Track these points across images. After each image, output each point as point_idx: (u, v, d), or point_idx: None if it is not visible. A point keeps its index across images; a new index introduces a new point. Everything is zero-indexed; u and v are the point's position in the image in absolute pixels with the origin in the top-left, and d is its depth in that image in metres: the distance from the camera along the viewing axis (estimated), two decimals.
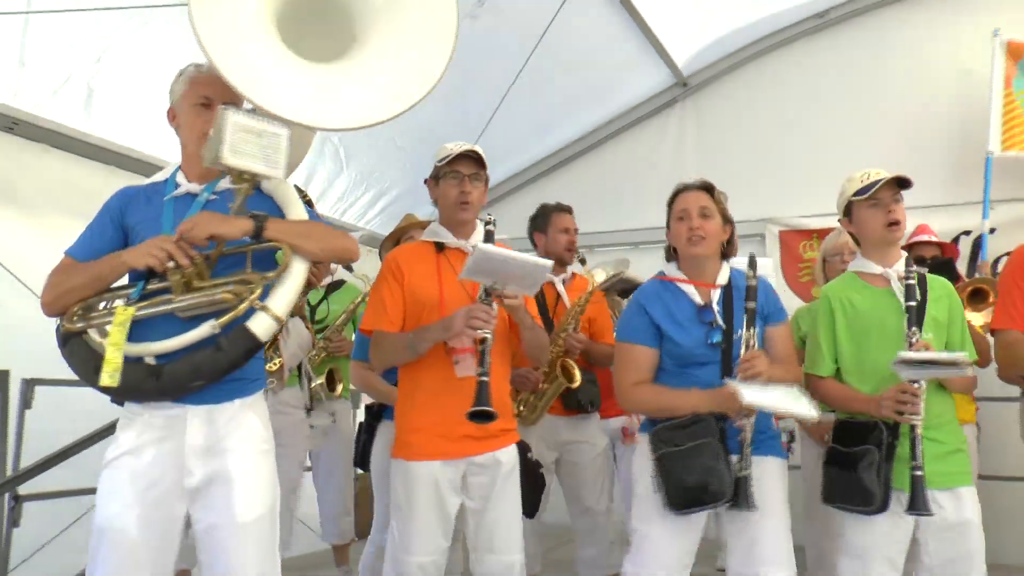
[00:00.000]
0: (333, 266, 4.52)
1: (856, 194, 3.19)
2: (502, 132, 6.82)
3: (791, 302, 6.69)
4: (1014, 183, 6.20)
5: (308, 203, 4.44)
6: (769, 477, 3.01)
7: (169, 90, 2.73)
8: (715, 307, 3.09)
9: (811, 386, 3.23)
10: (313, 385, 4.85)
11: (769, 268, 4.14)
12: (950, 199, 6.32)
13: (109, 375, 2.36)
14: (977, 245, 6.30)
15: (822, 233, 6.79)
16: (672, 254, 3.25)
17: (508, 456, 3.23)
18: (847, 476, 2.99)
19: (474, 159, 3.32)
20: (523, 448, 3.32)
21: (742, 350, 2.97)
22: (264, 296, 2.48)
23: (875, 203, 3.15)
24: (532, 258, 3.01)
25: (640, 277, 4.26)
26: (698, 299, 3.12)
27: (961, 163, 6.43)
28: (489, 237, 3.11)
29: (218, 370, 2.47)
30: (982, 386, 5.28)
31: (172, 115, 2.73)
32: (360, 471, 4.78)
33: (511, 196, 7.98)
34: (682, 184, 3.25)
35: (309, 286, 4.01)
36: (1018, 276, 3.22)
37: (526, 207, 7.63)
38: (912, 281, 3.00)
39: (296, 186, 2.91)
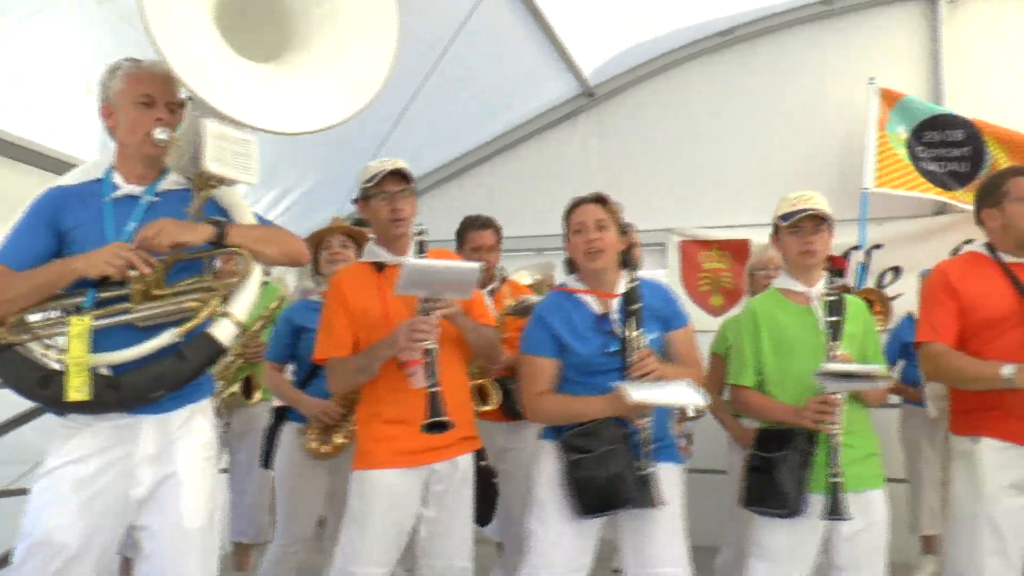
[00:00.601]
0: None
1: (781, 218, 3.32)
2: (408, 135, 6.78)
3: (691, 311, 6.89)
4: (898, 200, 6.51)
5: None
6: (664, 483, 3.08)
7: (101, 86, 2.64)
8: (614, 316, 3.16)
9: (735, 395, 3.40)
10: (224, 395, 4.78)
11: (662, 277, 4.25)
12: (843, 215, 6.53)
13: (76, 390, 2.31)
14: (867, 258, 6.58)
15: (722, 244, 7.00)
16: (572, 266, 3.32)
17: (465, 462, 3.25)
18: (765, 480, 3.13)
19: (400, 175, 3.33)
20: (479, 455, 3.33)
21: (631, 352, 3.04)
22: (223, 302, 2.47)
23: (796, 231, 3.30)
24: (459, 264, 3.09)
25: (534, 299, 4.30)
26: (597, 309, 3.19)
27: (846, 184, 6.68)
28: (422, 248, 3.15)
29: (181, 379, 2.44)
30: None
31: (107, 112, 2.64)
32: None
33: (418, 198, 7.90)
34: (577, 198, 3.32)
35: None
36: (940, 291, 3.35)
37: (431, 211, 7.61)
38: (833, 298, 3.17)
39: None
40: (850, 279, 6.52)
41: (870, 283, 6.48)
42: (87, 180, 2.65)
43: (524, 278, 4.85)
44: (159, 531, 2.49)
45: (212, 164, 2.39)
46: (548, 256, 6.48)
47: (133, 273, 2.37)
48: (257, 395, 4.93)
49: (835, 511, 2.99)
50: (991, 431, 3.17)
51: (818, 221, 3.28)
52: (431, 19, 5.95)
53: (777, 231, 3.39)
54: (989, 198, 3.35)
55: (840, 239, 6.42)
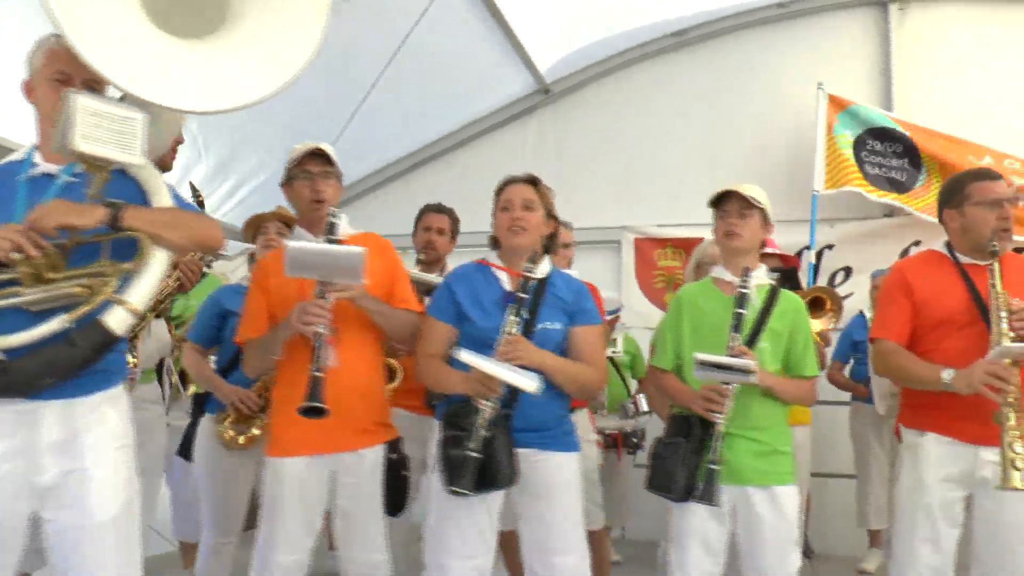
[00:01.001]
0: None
1: (710, 203, 3.38)
2: (364, 129, 6.76)
3: (646, 308, 6.94)
4: (849, 202, 6.60)
5: (200, 203, 4.31)
6: (560, 471, 3.12)
7: (26, 62, 2.55)
8: (523, 296, 3.13)
9: (652, 376, 3.47)
10: (174, 380, 4.70)
11: (612, 303, 4.24)
12: (796, 216, 6.65)
13: None
14: (819, 258, 6.69)
15: (676, 242, 7.05)
16: (495, 242, 3.32)
17: (373, 453, 3.21)
18: (662, 464, 3.19)
19: (323, 157, 3.31)
20: (391, 446, 3.29)
21: (503, 336, 3.01)
22: (122, 288, 2.37)
23: (722, 214, 3.33)
24: (342, 248, 3.02)
25: (430, 279, 4.26)
26: (508, 287, 3.18)
27: (799, 185, 6.78)
28: (332, 229, 3.10)
29: (71, 366, 2.34)
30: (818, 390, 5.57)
31: (28, 89, 2.56)
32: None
33: (372, 192, 7.91)
34: (509, 176, 3.34)
35: (181, 288, 3.89)
36: (895, 289, 3.40)
37: (386, 204, 7.61)
38: (746, 290, 3.17)
39: (192, 184, 2.80)
40: (802, 278, 6.62)
41: (822, 283, 6.56)
42: (13, 160, 2.57)
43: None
44: (69, 524, 2.40)
45: (79, 141, 2.26)
46: (485, 254, 6.47)
47: (16, 256, 2.26)
48: (191, 389, 4.83)
49: (705, 496, 3.03)
50: (936, 427, 3.25)
51: (745, 206, 3.28)
52: (388, 13, 5.94)
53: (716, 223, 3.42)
54: (951, 199, 3.38)
55: (792, 239, 6.63)
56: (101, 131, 2.30)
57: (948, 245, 3.41)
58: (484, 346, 3.03)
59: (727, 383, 3.07)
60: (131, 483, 2.53)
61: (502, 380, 2.91)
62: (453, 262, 5.04)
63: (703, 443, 3.11)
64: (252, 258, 4.29)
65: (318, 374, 2.86)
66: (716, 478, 3.03)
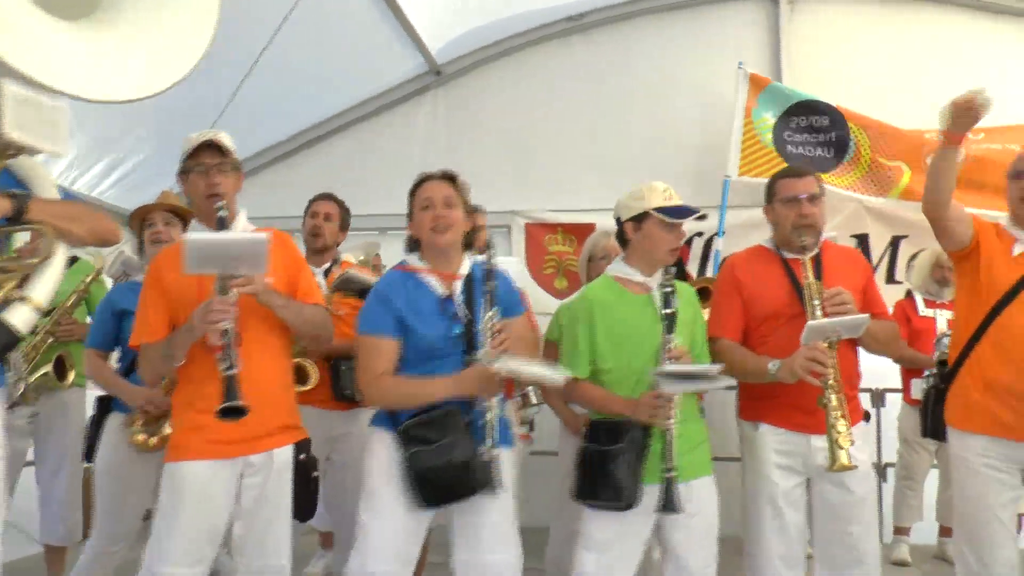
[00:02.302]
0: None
1: (658, 210, 3.25)
2: (249, 107, 6.51)
3: (536, 294, 6.89)
4: (744, 191, 6.65)
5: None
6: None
7: None
8: (457, 298, 3.08)
9: (568, 387, 3.31)
10: (34, 379, 4.41)
11: (514, 265, 4.15)
12: (689, 201, 6.65)
13: None
14: (708, 247, 6.72)
15: (567, 227, 7.02)
16: (414, 244, 3.20)
17: (283, 455, 3.07)
18: (600, 473, 3.09)
19: (218, 148, 3.13)
20: (300, 447, 3.15)
21: (486, 334, 2.97)
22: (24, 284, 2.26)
23: (670, 227, 3.25)
24: (243, 235, 2.92)
25: (367, 278, 4.15)
26: (440, 290, 3.09)
27: (699, 172, 6.87)
28: (222, 224, 2.96)
29: None
30: None
31: None
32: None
33: (257, 174, 7.61)
34: (425, 173, 3.23)
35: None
36: (726, 285, 3.51)
37: (272, 186, 7.38)
38: (670, 289, 3.15)
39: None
40: (694, 269, 6.69)
41: (711, 271, 6.61)
42: None
43: (350, 259, 4.71)
44: None
45: (14, 131, 2.17)
46: (393, 236, 6.34)
47: None
48: (71, 376, 4.57)
49: (668, 505, 3.00)
50: (769, 418, 3.37)
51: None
52: None
53: (639, 219, 3.28)
54: (767, 196, 3.52)
55: (687, 225, 6.64)
56: (31, 121, 2.21)
57: (773, 240, 3.52)
58: (428, 357, 2.99)
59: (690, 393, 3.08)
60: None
61: (541, 377, 2.92)
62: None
63: (643, 449, 3.06)
64: (140, 250, 4.04)
65: (232, 372, 2.72)
66: (674, 486, 3.00)
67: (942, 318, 5.32)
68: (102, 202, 6.48)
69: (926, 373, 4.80)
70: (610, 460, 3.07)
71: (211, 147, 3.12)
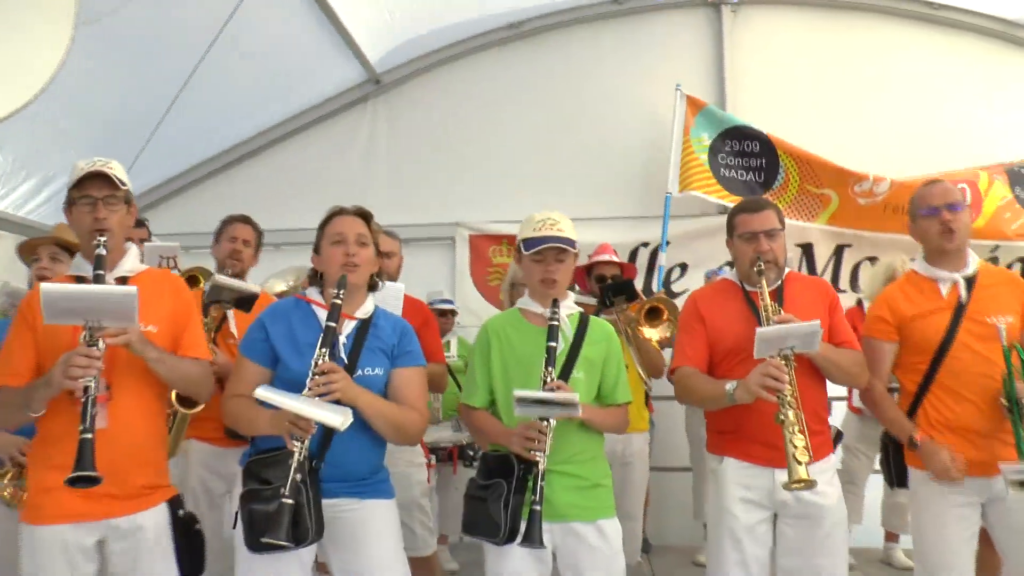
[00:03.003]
0: None
1: (524, 243, 3.18)
2: (185, 119, 6.35)
3: (481, 306, 6.82)
4: (689, 200, 6.68)
5: None
6: (376, 519, 2.96)
7: None
8: (344, 339, 2.96)
9: (464, 415, 3.31)
10: None
11: (398, 294, 4.01)
12: (631, 212, 6.67)
13: None
14: (654, 256, 6.70)
15: (511, 239, 6.94)
16: (316, 277, 3.10)
17: (153, 520, 2.87)
18: (480, 507, 3.03)
19: (106, 179, 2.89)
20: (174, 504, 2.96)
21: (313, 368, 2.80)
22: None
23: (539, 259, 3.16)
24: (109, 288, 2.70)
25: (240, 285, 4.01)
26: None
27: (642, 182, 6.91)
28: (100, 263, 2.77)
29: None
30: (657, 388, 5.60)
31: None
32: None
33: (192, 189, 7.44)
34: (337, 207, 3.12)
35: None
36: (690, 318, 3.49)
37: (208, 200, 7.19)
38: (555, 323, 3.07)
39: None
40: (640, 280, 6.67)
41: (657, 280, 6.59)
42: None
43: (277, 285, 4.56)
44: None
45: None
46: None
47: None
48: None
49: (529, 538, 2.87)
50: (733, 452, 3.34)
51: (561, 249, 3.17)
52: (204, 3, 5.58)
53: (519, 249, 3.23)
54: (727, 229, 3.51)
55: (633, 235, 6.67)
56: None
57: (736, 273, 3.52)
58: (298, 389, 2.78)
59: (546, 419, 2.94)
60: None
61: (308, 417, 2.67)
62: (280, 259, 4.79)
63: (524, 483, 2.98)
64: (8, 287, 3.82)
65: (87, 436, 2.51)
66: (538, 519, 2.87)
67: None
68: (31, 222, 6.25)
69: None
70: (489, 494, 3.01)
71: (99, 177, 2.89)
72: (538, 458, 2.91)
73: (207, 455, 3.80)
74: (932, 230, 3.43)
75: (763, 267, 3.30)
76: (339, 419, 2.65)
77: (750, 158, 6.73)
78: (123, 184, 2.92)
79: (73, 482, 2.48)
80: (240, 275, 4.22)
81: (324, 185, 7.10)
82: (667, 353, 5.70)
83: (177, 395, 3.67)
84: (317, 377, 2.75)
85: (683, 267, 6.88)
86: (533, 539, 2.86)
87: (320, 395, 2.72)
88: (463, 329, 6.27)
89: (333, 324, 2.84)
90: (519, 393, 2.89)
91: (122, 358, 2.72)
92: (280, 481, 2.67)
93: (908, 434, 3.36)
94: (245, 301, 4.01)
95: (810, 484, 2.97)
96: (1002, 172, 6.63)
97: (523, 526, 2.91)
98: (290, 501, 2.63)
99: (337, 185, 7.02)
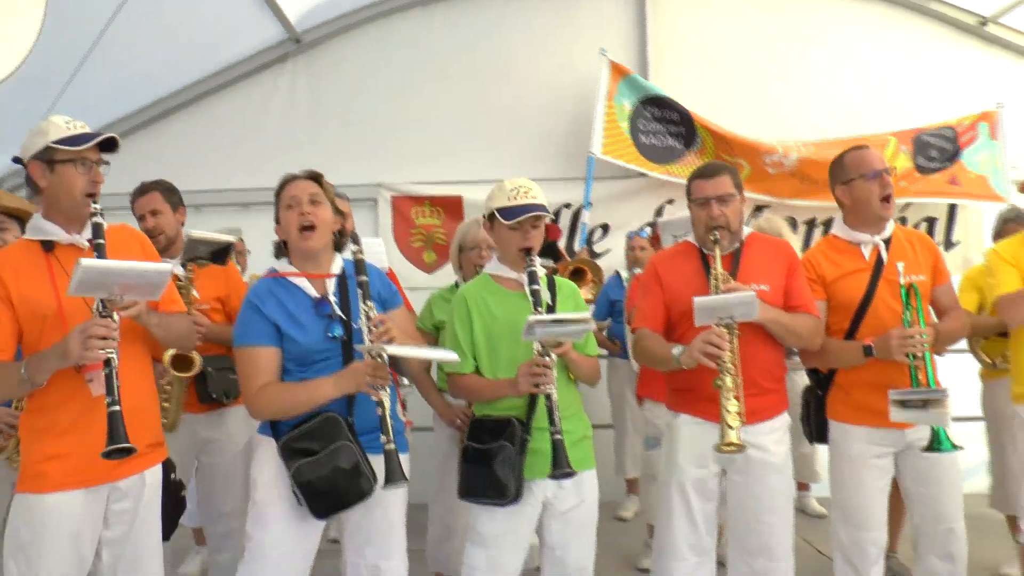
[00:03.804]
0: None
1: (500, 213, 3.22)
2: (98, 77, 6.13)
3: (404, 268, 6.81)
4: (609, 162, 6.75)
5: None
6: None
7: None
8: (332, 299, 3.00)
9: (453, 383, 3.33)
10: None
11: (376, 247, 4.04)
12: (555, 174, 6.71)
13: None
14: (577, 217, 6.77)
15: (434, 200, 6.96)
16: (282, 249, 3.10)
17: (153, 476, 2.90)
18: (482, 471, 3.10)
19: (108, 146, 2.87)
20: (167, 467, 3.00)
21: (362, 323, 2.90)
22: None
23: (517, 228, 3.21)
24: (148, 265, 2.68)
25: (215, 237, 3.98)
26: (314, 292, 3.00)
27: (565, 143, 6.94)
28: (98, 231, 2.72)
29: None
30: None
31: None
32: None
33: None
34: (289, 174, 3.12)
35: None
36: (649, 281, 3.59)
37: (124, 159, 6.99)
38: (536, 287, 3.13)
39: None
40: (563, 241, 6.73)
41: (579, 239, 6.66)
42: None
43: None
44: None
45: None
46: (257, 211, 6.13)
47: None
48: None
49: (558, 465, 2.98)
50: (687, 408, 3.47)
51: (537, 217, 3.23)
52: None
53: (491, 217, 3.28)
54: (686, 195, 3.57)
55: (555, 197, 6.71)
56: None
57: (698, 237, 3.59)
58: (308, 361, 2.90)
59: (547, 354, 3.03)
60: None
61: (429, 357, 2.92)
62: (201, 219, 4.70)
63: (523, 444, 3.10)
64: None
65: (115, 408, 2.50)
66: (563, 448, 2.98)
67: None
68: None
69: None
70: (492, 458, 3.08)
71: (106, 145, 2.87)
72: (549, 390, 3.02)
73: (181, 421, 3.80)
74: (875, 193, 3.54)
75: (717, 236, 3.38)
76: (453, 355, 3.01)
77: (670, 124, 6.88)
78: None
79: (109, 455, 2.47)
80: (171, 247, 4.07)
81: (243, 145, 6.99)
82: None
83: (172, 359, 3.68)
84: (375, 328, 2.85)
85: (605, 228, 6.96)
86: (563, 467, 2.97)
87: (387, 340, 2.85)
88: None
89: (365, 278, 2.95)
90: (534, 317, 2.96)
91: (121, 324, 2.65)
92: (323, 446, 2.80)
93: (858, 347, 3.44)
94: (221, 253, 3.97)
95: (739, 448, 3.11)
96: (909, 141, 6.90)
97: (524, 487, 3.09)
98: (392, 446, 2.77)
99: (257, 146, 6.92)
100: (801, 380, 4.87)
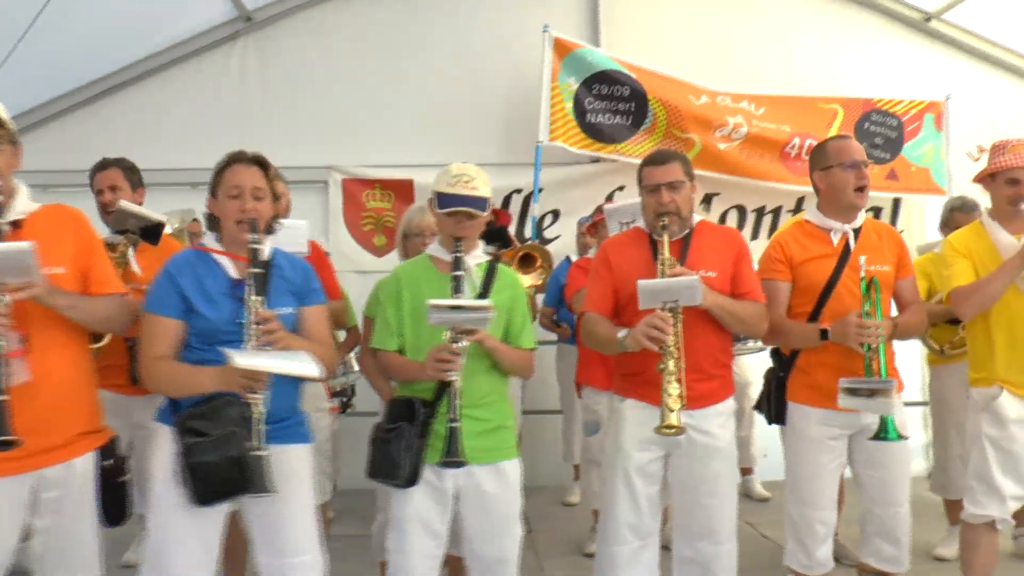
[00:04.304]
0: None
1: (438, 200, 3.23)
2: (42, 51, 6.00)
3: (354, 251, 6.77)
4: (558, 149, 6.74)
5: None
6: (295, 464, 2.97)
7: None
8: (250, 283, 2.91)
9: (378, 359, 3.34)
10: None
11: (301, 230, 3.97)
12: (507, 159, 6.72)
13: None
14: (527, 202, 6.78)
15: (385, 183, 6.93)
16: (214, 223, 3.04)
17: (84, 465, 2.83)
18: (385, 451, 3.10)
19: None
20: (105, 451, 2.92)
21: (250, 318, 2.81)
22: None
23: (451, 215, 3.21)
24: (3, 246, 2.58)
25: (146, 213, 3.93)
26: (233, 273, 2.94)
27: (515, 127, 6.95)
28: None
29: None
30: None
31: None
32: None
33: (52, 123, 7.02)
34: (235, 155, 3.02)
35: None
36: (599, 265, 3.61)
37: (71, 136, 6.83)
38: (459, 272, 3.14)
39: None
40: (513, 227, 6.74)
41: (531, 226, 6.67)
42: None
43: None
44: None
45: None
46: (204, 191, 6.00)
47: None
48: None
49: (450, 453, 2.99)
50: (632, 393, 3.49)
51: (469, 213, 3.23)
52: None
53: (432, 202, 3.30)
54: (638, 181, 3.60)
55: (506, 182, 6.72)
56: None
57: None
58: (213, 340, 2.80)
59: (458, 341, 3.03)
60: None
61: (287, 374, 2.73)
62: (151, 200, 4.63)
63: (426, 426, 3.09)
64: None
65: (3, 398, 2.45)
66: (458, 436, 2.98)
67: None
68: None
69: None
70: (393, 437, 3.09)
71: None
72: (452, 378, 3.01)
73: (111, 404, 3.71)
74: (850, 183, 3.61)
75: (666, 222, 3.40)
76: (315, 369, 2.75)
77: (618, 102, 6.78)
78: (6, 122, 2.76)
79: None
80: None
81: (193, 125, 6.87)
82: (540, 300, 5.87)
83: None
84: (257, 326, 2.76)
85: (555, 214, 6.98)
86: (455, 455, 2.97)
87: (265, 344, 2.76)
88: (337, 273, 6.22)
89: (260, 271, 2.85)
90: (433, 301, 2.95)
91: (36, 308, 2.61)
92: (217, 430, 2.71)
93: (816, 331, 3.53)
94: (151, 232, 3.90)
95: (679, 431, 3.14)
96: (857, 113, 7.04)
97: (427, 468, 3.07)
98: (266, 451, 2.70)
99: (207, 125, 6.81)
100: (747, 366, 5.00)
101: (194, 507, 2.75)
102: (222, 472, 2.70)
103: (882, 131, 7.06)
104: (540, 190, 6.61)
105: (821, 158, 3.71)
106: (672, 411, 3.11)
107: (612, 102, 6.77)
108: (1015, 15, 7.15)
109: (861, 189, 3.61)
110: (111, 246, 3.76)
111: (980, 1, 7.10)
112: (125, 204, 3.89)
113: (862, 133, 6.97)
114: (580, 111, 6.71)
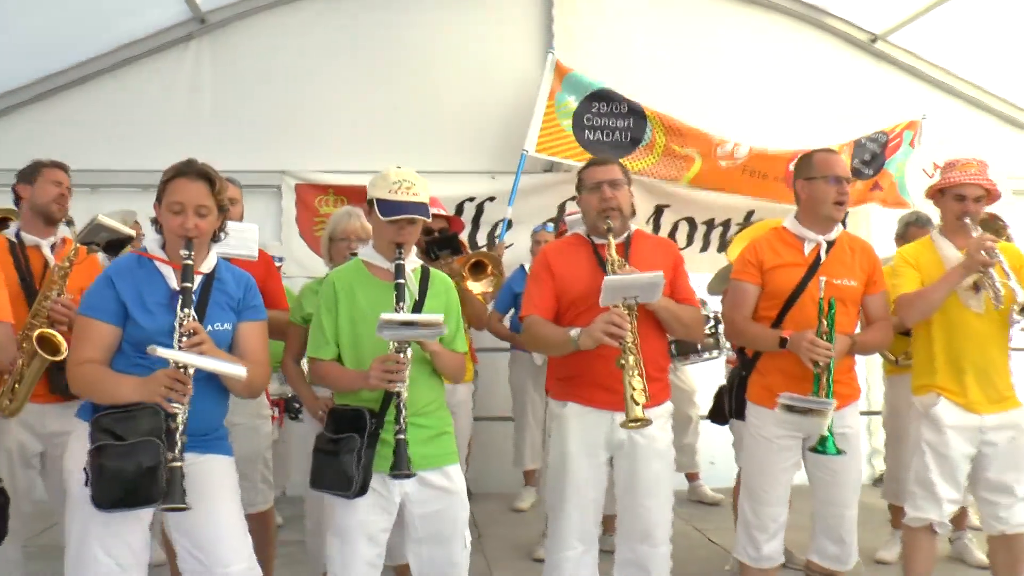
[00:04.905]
0: None
1: (380, 206, 3.18)
2: None
3: (307, 257, 6.74)
4: (512, 159, 6.80)
5: None
6: (217, 475, 2.94)
7: None
8: (189, 287, 2.88)
9: (313, 368, 3.30)
10: None
11: (251, 235, 3.93)
12: (460, 167, 6.78)
13: None
14: (480, 210, 6.89)
15: (338, 189, 6.92)
16: (158, 226, 2.98)
17: None
18: (331, 461, 3.06)
19: None
20: None
21: (176, 332, 2.77)
22: None
23: (393, 222, 3.17)
24: None
25: (121, 228, 3.93)
26: (174, 284, 2.89)
27: (472, 136, 7.06)
28: None
29: None
30: (481, 339, 5.72)
31: None
32: None
33: None
34: (180, 167, 2.94)
35: None
36: (540, 269, 3.66)
37: (14, 134, 6.69)
38: (402, 280, 3.12)
39: None
40: (465, 234, 6.75)
41: (483, 234, 6.69)
42: None
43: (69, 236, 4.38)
44: None
45: None
46: (154, 193, 5.92)
47: None
48: None
49: (398, 466, 2.99)
50: (575, 397, 3.53)
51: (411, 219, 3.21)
52: None
53: (371, 206, 3.24)
54: (577, 188, 3.69)
55: (459, 190, 6.74)
56: None
57: (586, 228, 3.68)
58: (142, 351, 2.74)
59: (403, 351, 3.02)
60: None
61: (215, 372, 2.71)
62: (99, 201, 4.58)
63: (375, 436, 3.07)
64: None
65: None
66: (405, 448, 2.97)
67: None
68: None
69: None
70: (339, 450, 3.05)
71: None
72: (399, 388, 3.00)
73: (26, 412, 3.63)
74: (830, 197, 3.72)
75: (611, 223, 3.46)
76: (242, 371, 2.75)
77: (617, 118, 6.99)
78: None
79: None
80: (57, 223, 3.98)
81: (143, 126, 6.78)
82: (490, 307, 5.89)
83: (38, 338, 3.55)
84: (186, 339, 2.72)
85: (510, 222, 6.98)
86: (402, 467, 2.97)
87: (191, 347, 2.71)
88: (289, 279, 6.18)
89: (189, 284, 2.80)
90: (385, 316, 2.92)
91: None
92: (133, 437, 2.65)
93: (776, 337, 3.63)
94: (116, 244, 3.89)
95: (645, 423, 3.22)
96: (850, 147, 7.20)
97: (375, 477, 3.04)
98: (181, 463, 2.65)
99: (158, 127, 6.73)
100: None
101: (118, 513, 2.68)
102: (127, 480, 2.62)
103: (872, 147, 7.28)
104: (492, 198, 6.72)
105: (806, 168, 3.82)
106: (638, 404, 3.17)
107: (612, 119, 7.00)
108: (960, 37, 7.33)
109: (839, 203, 3.73)
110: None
111: (925, 23, 7.26)
112: (102, 218, 3.86)
113: (858, 147, 7.22)
114: (579, 127, 6.90)
